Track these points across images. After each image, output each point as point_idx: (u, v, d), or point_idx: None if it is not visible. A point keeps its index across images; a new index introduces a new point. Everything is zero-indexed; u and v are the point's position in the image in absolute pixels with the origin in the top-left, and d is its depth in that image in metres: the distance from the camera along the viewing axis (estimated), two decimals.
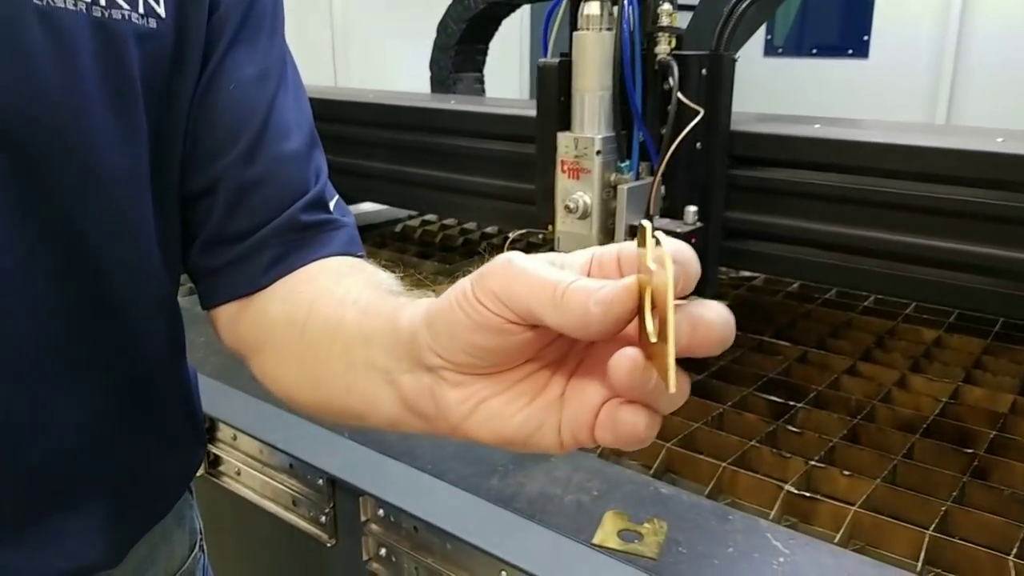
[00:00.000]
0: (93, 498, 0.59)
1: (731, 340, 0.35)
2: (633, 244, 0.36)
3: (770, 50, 3.39)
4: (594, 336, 0.36)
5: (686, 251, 0.35)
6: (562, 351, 0.41)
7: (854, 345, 1.17)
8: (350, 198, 1.82)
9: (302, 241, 0.60)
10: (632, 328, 0.36)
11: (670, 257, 0.33)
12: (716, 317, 0.35)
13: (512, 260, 0.37)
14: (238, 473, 0.94)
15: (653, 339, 0.34)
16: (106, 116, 0.50)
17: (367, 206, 1.82)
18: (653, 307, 0.34)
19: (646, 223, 0.35)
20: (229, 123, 0.58)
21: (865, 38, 3.22)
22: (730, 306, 0.35)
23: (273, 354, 0.57)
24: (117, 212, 0.54)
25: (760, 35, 3.40)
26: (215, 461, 0.96)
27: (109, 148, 0.51)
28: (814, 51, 3.34)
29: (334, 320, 0.52)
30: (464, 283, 0.39)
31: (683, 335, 0.34)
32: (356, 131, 1.46)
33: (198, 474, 0.96)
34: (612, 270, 0.38)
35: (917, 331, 1.23)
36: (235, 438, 0.93)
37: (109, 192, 0.52)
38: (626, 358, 0.35)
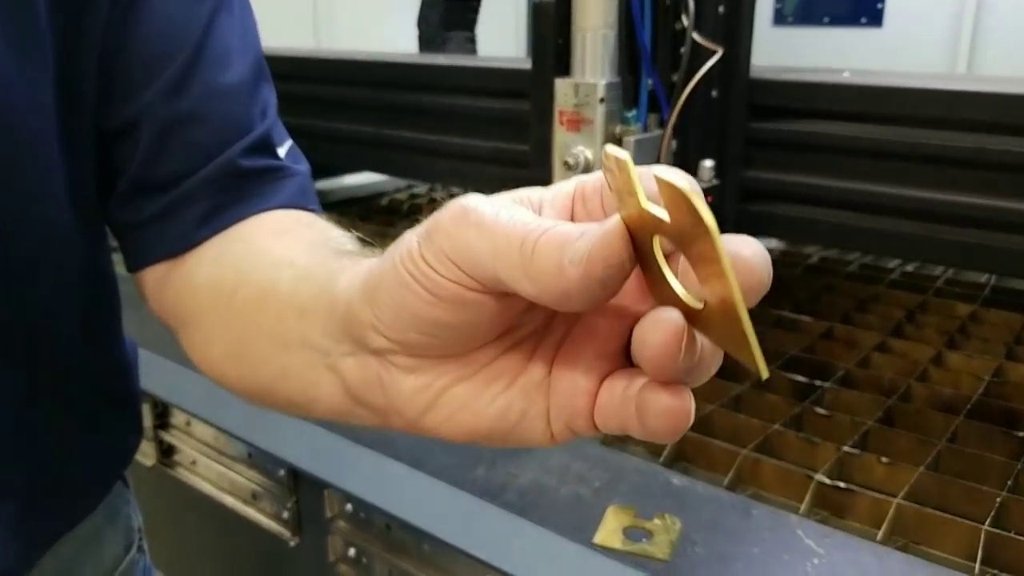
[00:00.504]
0: (1, 495, 0.49)
1: (769, 282, 0.25)
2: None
3: (780, 19, 3.26)
4: (580, 308, 0.26)
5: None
6: (545, 318, 0.31)
7: (883, 320, 1.06)
8: (325, 165, 1.71)
9: (242, 191, 0.49)
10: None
11: (689, 186, 0.22)
12: (753, 255, 0.24)
13: (468, 208, 0.27)
14: (194, 463, 0.83)
15: (683, 296, 0.24)
16: None
17: (351, 179, 1.71)
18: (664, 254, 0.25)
19: (613, 149, 0.25)
20: (155, 48, 0.47)
21: (879, 6, 3.10)
22: None
23: (198, 328, 0.46)
24: (14, 147, 0.43)
25: (769, 4, 3.27)
26: (168, 450, 0.86)
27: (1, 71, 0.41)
28: (826, 20, 3.21)
29: (266, 286, 0.41)
30: (410, 240, 0.29)
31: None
32: (335, 91, 1.35)
33: (149, 464, 0.86)
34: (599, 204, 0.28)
35: (951, 305, 1.12)
36: (189, 424, 0.83)
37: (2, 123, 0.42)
38: (664, 327, 0.25)
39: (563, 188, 0.29)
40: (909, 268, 1.30)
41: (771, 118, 0.93)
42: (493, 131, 1.14)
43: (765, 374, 0.23)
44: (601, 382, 0.29)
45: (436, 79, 1.22)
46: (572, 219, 0.28)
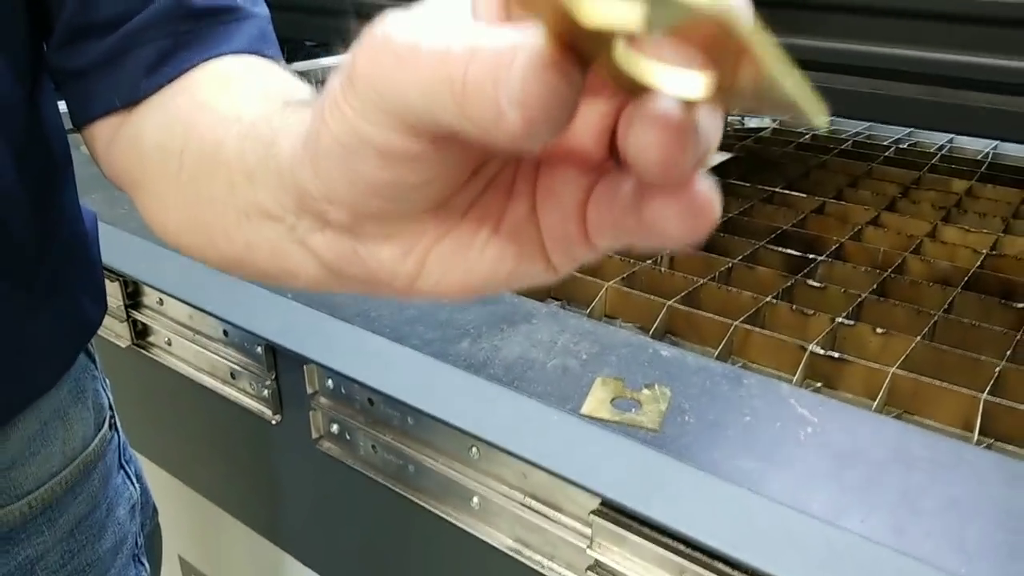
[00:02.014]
0: None
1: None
2: None
3: None
4: (538, 145, 0.21)
5: None
6: None
7: (877, 196, 1.03)
8: (305, 40, 1.63)
9: (193, 33, 0.43)
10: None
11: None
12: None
13: (383, 39, 0.21)
14: (168, 343, 0.80)
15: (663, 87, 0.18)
16: None
17: (333, 60, 1.63)
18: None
19: None
20: None
21: None
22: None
23: (151, 192, 0.42)
24: None
25: None
26: (143, 331, 0.83)
27: None
28: None
29: (212, 146, 0.36)
30: (332, 87, 0.23)
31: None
32: None
33: (123, 346, 0.83)
34: None
35: (946, 181, 1.09)
36: (161, 303, 0.79)
37: None
38: (656, 122, 0.19)
39: None
40: (904, 144, 1.26)
41: None
42: None
43: (824, 121, 0.18)
44: (589, 194, 0.24)
45: None
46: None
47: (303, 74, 1.57)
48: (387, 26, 0.21)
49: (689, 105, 0.19)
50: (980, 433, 0.61)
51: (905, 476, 0.53)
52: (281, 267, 0.33)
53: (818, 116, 0.17)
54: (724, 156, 1.15)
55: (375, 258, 0.28)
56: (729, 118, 1.14)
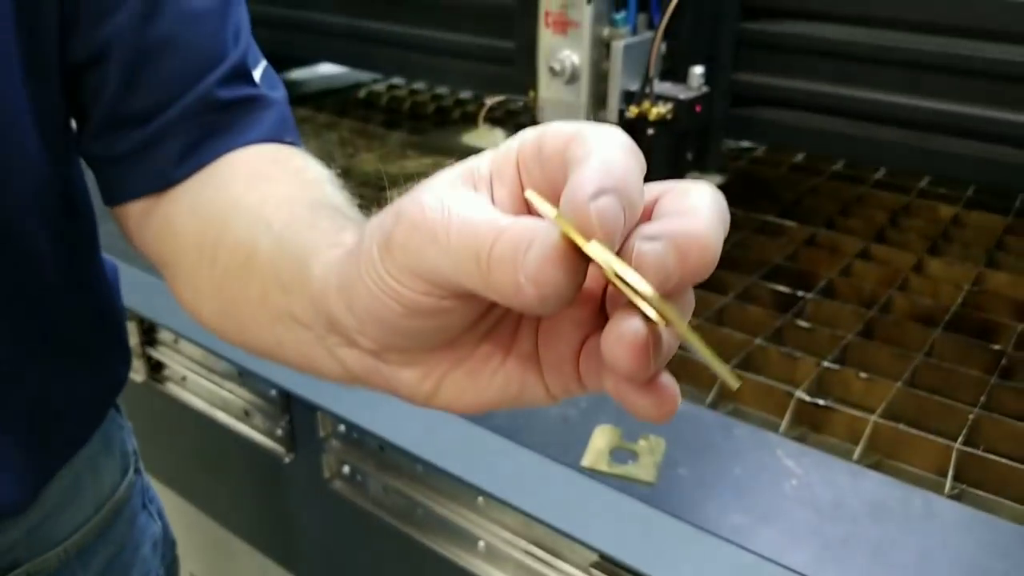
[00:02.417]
0: (1, 432, 0.50)
1: (717, 258, 0.24)
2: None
3: None
4: (548, 314, 0.27)
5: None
6: None
7: (866, 224, 1.07)
8: (301, 58, 1.65)
9: (220, 123, 0.47)
10: None
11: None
12: (705, 232, 0.24)
13: (419, 220, 0.26)
14: (183, 379, 0.84)
15: (650, 313, 0.23)
16: None
17: (326, 68, 1.65)
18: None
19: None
20: None
21: None
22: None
23: (184, 276, 0.45)
24: None
25: None
26: (157, 366, 0.86)
27: None
28: None
29: (245, 249, 0.40)
30: (370, 249, 0.28)
31: (670, 272, 0.23)
32: None
33: (139, 380, 0.87)
34: (555, 167, 0.26)
35: (933, 207, 1.12)
36: (177, 342, 0.83)
37: None
38: (624, 342, 0.24)
39: (508, 158, 0.28)
40: (902, 169, 1.29)
41: (763, 19, 0.90)
42: (476, 26, 1.10)
43: (736, 385, 0.23)
44: (583, 345, 0.29)
45: None
46: (523, 186, 0.27)
47: (298, 83, 1.58)
48: (421, 202, 0.26)
49: (653, 324, 0.23)
50: (954, 479, 0.65)
51: (881, 530, 0.58)
52: (310, 365, 0.37)
53: (732, 382, 0.22)
54: (718, 179, 1.19)
55: (397, 378, 0.32)
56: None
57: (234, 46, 0.48)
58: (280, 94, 0.51)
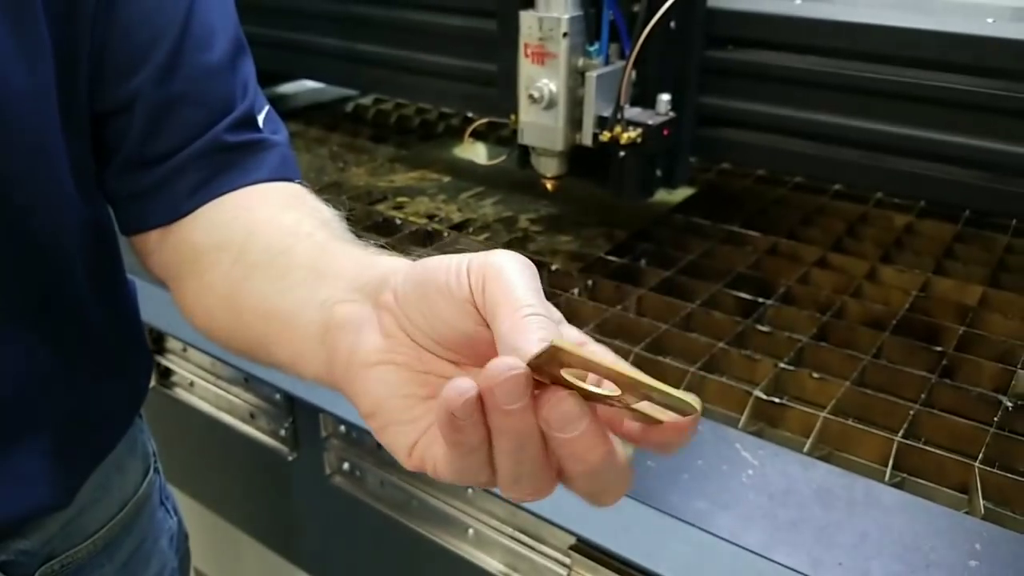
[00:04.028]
0: (38, 442, 0.56)
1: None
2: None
3: None
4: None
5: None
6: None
7: (825, 234, 1.14)
8: (291, 75, 1.71)
9: (228, 163, 0.54)
10: None
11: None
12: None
13: (504, 268, 0.35)
14: (191, 385, 0.90)
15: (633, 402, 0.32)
16: (3, 32, 0.44)
17: (316, 82, 1.71)
18: None
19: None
20: (142, 34, 0.51)
21: None
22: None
23: (195, 280, 0.52)
24: (22, 134, 0.47)
25: None
26: (165, 372, 0.92)
27: (9, 65, 0.45)
28: None
29: (280, 247, 0.47)
30: (460, 260, 0.37)
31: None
32: (299, 3, 1.34)
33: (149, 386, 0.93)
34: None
35: (889, 217, 1.20)
36: (185, 350, 0.89)
37: (12, 112, 0.46)
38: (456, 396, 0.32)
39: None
40: (855, 187, 1.37)
41: (726, 47, 0.98)
42: (462, 49, 1.16)
43: (697, 407, 0.30)
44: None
45: None
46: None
47: (287, 97, 1.64)
48: (510, 264, 0.35)
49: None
50: (894, 469, 0.72)
51: (826, 514, 0.65)
52: (293, 361, 0.45)
53: (691, 406, 0.29)
54: (688, 192, 1.26)
55: (367, 336, 0.39)
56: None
57: (242, 98, 0.55)
58: (282, 136, 0.58)
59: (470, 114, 1.21)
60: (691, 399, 0.29)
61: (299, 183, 0.57)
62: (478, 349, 0.36)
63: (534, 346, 0.31)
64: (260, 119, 0.56)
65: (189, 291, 0.53)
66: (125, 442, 0.67)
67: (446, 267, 0.37)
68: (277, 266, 0.47)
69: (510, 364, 0.30)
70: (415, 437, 0.38)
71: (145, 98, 0.52)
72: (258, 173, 0.55)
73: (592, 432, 0.32)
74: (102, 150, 0.54)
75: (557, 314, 0.36)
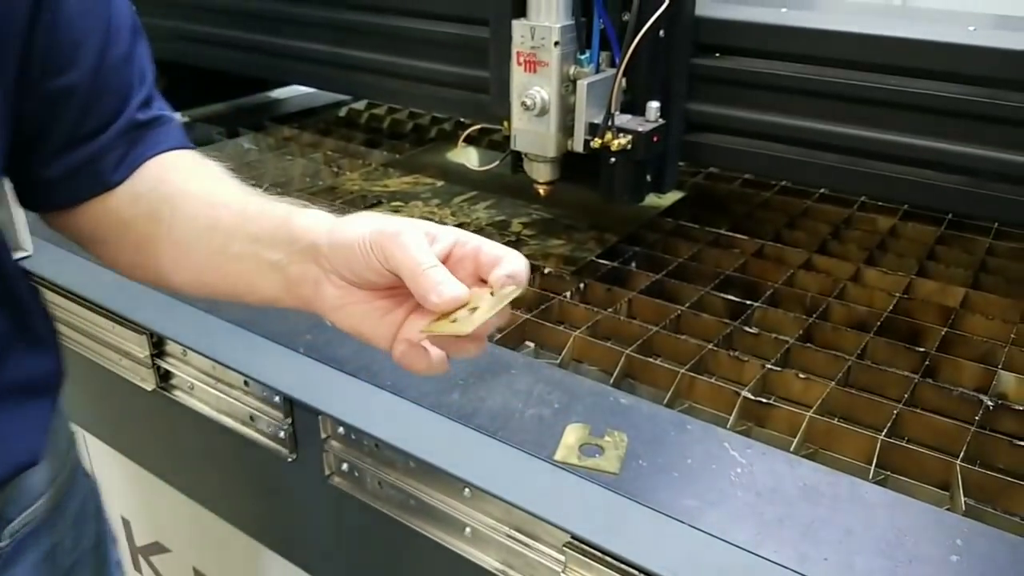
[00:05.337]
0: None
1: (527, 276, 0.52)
2: (491, 249, 0.52)
3: None
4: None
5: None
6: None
7: (810, 236, 1.17)
8: (285, 82, 1.72)
9: (140, 138, 0.63)
10: None
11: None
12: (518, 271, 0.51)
13: (398, 234, 0.50)
14: (191, 387, 0.92)
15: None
16: None
17: (307, 87, 1.72)
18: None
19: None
20: (75, 34, 0.58)
21: None
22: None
23: (132, 246, 0.63)
24: None
25: None
26: (166, 375, 0.94)
27: None
28: None
29: (206, 220, 0.59)
30: (363, 234, 0.51)
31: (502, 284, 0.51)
32: (293, 10, 1.35)
33: (149, 389, 0.94)
34: (467, 264, 0.52)
35: (872, 219, 1.23)
36: (185, 354, 0.90)
37: None
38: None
39: (448, 236, 0.52)
40: (839, 191, 1.39)
41: (713, 55, 1.00)
42: (456, 56, 1.18)
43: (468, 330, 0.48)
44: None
45: (398, 1, 1.23)
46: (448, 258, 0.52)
47: (280, 102, 1.66)
48: (400, 231, 0.51)
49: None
50: (877, 466, 0.75)
51: (811, 510, 0.67)
52: (249, 286, 0.57)
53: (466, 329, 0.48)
54: (677, 196, 1.28)
55: (325, 290, 0.53)
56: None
57: (144, 78, 0.64)
58: (174, 114, 0.68)
59: (468, 129, 1.23)
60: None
61: (193, 148, 0.67)
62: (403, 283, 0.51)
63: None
64: (158, 101, 0.65)
65: (127, 255, 0.64)
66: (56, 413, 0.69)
67: (357, 241, 0.50)
68: (213, 239, 0.58)
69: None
70: (388, 341, 0.54)
71: (80, 91, 0.59)
72: (166, 143, 0.64)
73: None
74: (24, 140, 0.59)
75: (441, 235, 0.52)
